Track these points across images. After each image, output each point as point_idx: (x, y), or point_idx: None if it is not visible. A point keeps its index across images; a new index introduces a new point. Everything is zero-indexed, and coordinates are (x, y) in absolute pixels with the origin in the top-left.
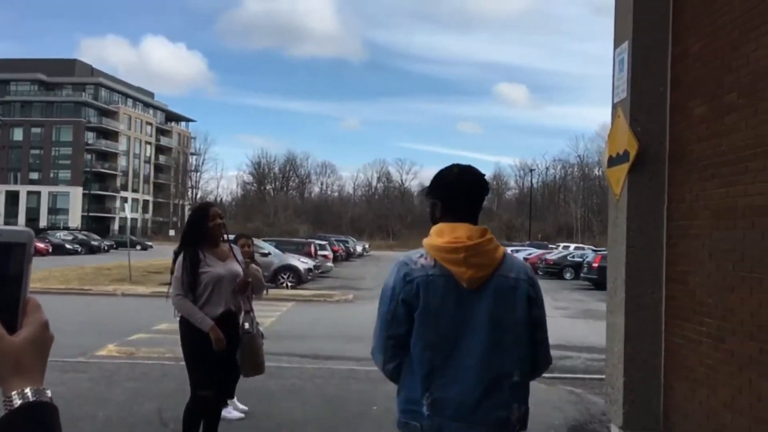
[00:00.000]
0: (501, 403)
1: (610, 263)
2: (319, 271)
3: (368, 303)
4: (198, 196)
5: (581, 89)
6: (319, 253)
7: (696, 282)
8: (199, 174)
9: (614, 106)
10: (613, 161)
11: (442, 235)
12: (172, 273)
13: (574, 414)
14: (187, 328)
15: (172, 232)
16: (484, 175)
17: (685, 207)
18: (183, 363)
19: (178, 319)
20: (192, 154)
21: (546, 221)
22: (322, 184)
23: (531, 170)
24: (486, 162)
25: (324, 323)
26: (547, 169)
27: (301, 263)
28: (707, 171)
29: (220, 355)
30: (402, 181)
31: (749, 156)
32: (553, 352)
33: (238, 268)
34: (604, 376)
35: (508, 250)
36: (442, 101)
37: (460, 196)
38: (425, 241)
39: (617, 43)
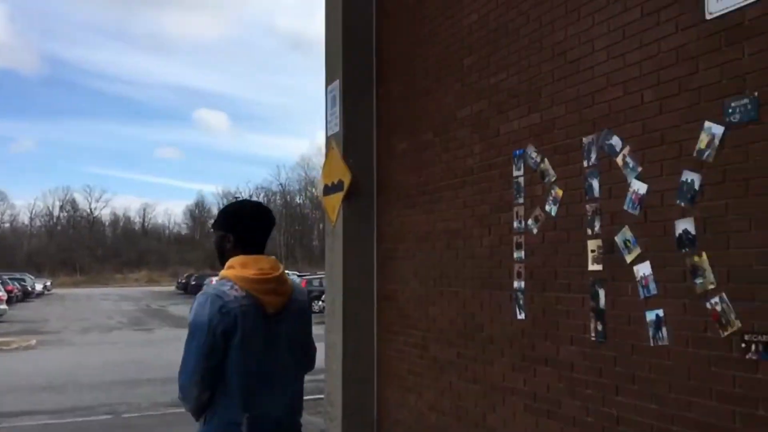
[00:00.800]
0: (300, 408)
1: (328, 286)
2: None
3: (56, 348)
4: None
5: (281, 119)
6: None
7: (404, 298)
8: None
9: (328, 139)
10: (328, 190)
11: (247, 267)
12: None
13: None
14: None
15: None
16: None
17: (392, 232)
18: None
19: None
20: None
21: None
22: None
23: (235, 198)
24: (188, 189)
25: (1, 376)
26: (250, 196)
27: None
28: (410, 200)
29: None
30: (91, 209)
31: (444, 187)
32: None
33: None
34: (319, 396)
35: (213, 280)
36: (139, 124)
37: (257, 231)
38: (230, 273)
39: (329, 81)
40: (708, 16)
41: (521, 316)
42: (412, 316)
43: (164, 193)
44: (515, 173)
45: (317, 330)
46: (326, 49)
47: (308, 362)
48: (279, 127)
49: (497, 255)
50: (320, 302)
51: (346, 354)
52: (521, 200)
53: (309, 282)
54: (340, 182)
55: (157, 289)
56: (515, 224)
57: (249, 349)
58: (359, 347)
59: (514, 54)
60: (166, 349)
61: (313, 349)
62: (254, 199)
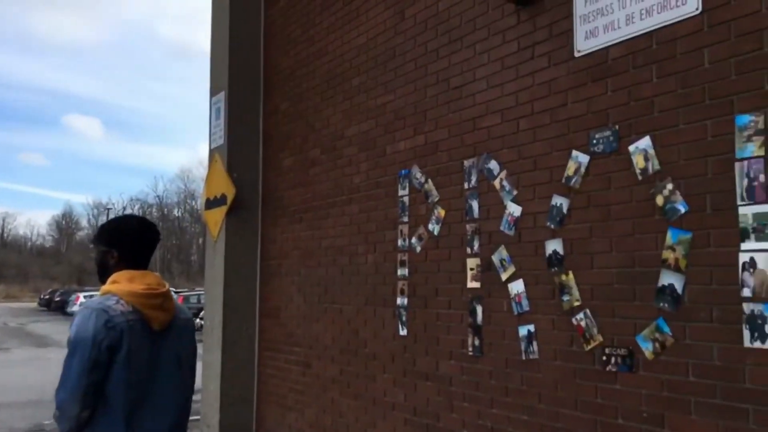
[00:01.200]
0: (184, 423)
1: (208, 303)
2: None
3: None
4: None
5: (160, 129)
6: None
7: (287, 315)
8: None
9: (211, 152)
10: (210, 204)
11: (134, 281)
12: None
13: None
14: None
15: None
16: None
17: (276, 247)
18: None
19: None
20: None
21: None
22: None
23: (107, 209)
24: (54, 199)
25: None
26: (124, 208)
27: None
28: (296, 216)
29: None
30: None
31: (330, 203)
32: None
33: None
34: (195, 418)
35: (80, 296)
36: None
37: (143, 247)
38: (115, 287)
39: (214, 92)
40: (577, 54)
41: (403, 332)
42: (296, 333)
43: (27, 202)
44: (401, 192)
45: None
46: (212, 59)
47: (193, 381)
48: (158, 137)
49: (382, 272)
50: (198, 320)
51: (225, 373)
52: (406, 219)
53: (186, 299)
54: (224, 196)
55: (16, 305)
56: (399, 242)
57: (133, 365)
58: (239, 366)
59: (401, 77)
60: (27, 371)
61: (195, 366)
62: (129, 212)
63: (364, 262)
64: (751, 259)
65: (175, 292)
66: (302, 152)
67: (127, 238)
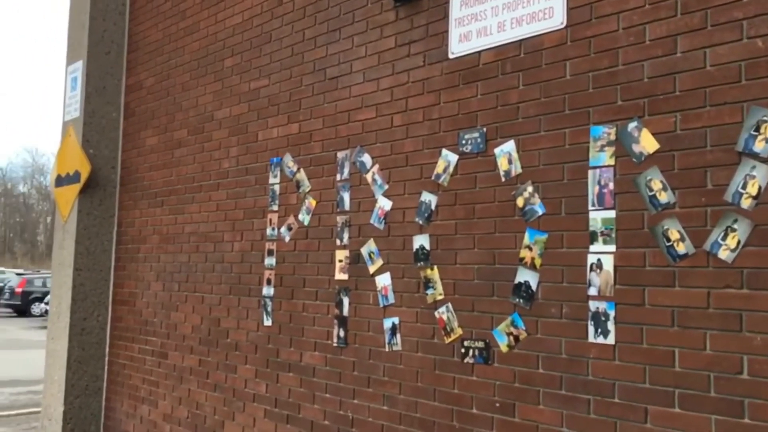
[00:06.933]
0: None
1: (55, 287)
2: None
3: None
4: None
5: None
6: None
7: (143, 303)
8: None
9: (65, 124)
10: (62, 181)
11: None
12: None
13: None
14: None
15: None
16: None
17: (134, 231)
18: None
19: None
20: None
21: None
22: None
23: None
24: None
25: None
26: None
27: None
28: (157, 198)
29: None
30: None
31: (196, 188)
32: None
33: None
34: (34, 410)
35: None
36: None
37: None
38: None
39: (70, 60)
40: (451, 56)
41: (268, 322)
42: (152, 321)
43: None
44: (271, 180)
45: (39, 336)
46: (70, 25)
47: None
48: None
49: (248, 260)
50: (43, 304)
51: (71, 362)
52: (276, 207)
53: (30, 281)
54: (77, 173)
55: None
56: (268, 231)
57: None
58: (87, 355)
59: (277, 63)
60: None
61: None
62: None
63: (229, 250)
64: (598, 260)
65: (18, 275)
66: (167, 131)
67: None
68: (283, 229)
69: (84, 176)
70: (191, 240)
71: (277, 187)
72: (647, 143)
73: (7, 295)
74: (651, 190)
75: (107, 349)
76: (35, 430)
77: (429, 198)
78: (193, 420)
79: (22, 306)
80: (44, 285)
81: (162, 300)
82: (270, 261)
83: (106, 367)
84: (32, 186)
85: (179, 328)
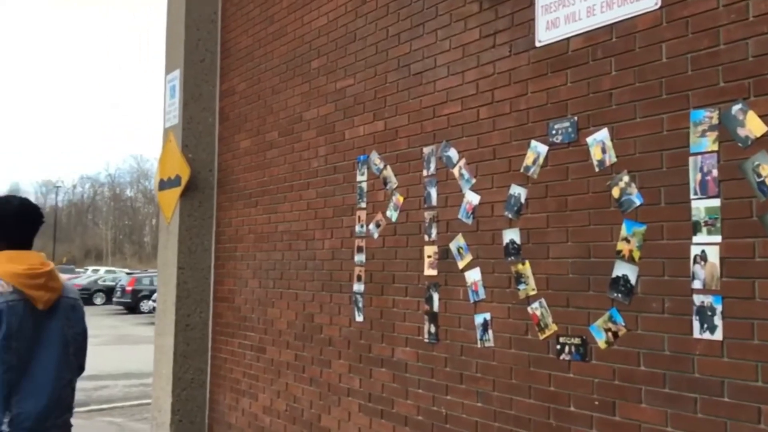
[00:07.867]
0: (66, 405)
1: (161, 286)
2: None
3: None
4: None
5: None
6: None
7: (241, 299)
8: None
9: (166, 131)
10: (164, 185)
11: (14, 261)
12: None
13: None
14: None
15: None
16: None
17: (231, 231)
18: None
19: None
20: None
21: (73, 243)
22: None
23: (57, 187)
24: None
25: None
26: (74, 187)
27: None
28: (252, 199)
29: None
30: None
31: (287, 188)
32: (87, 383)
33: None
34: (145, 401)
35: None
36: None
37: (24, 226)
38: None
39: (169, 70)
40: (538, 44)
41: (359, 318)
42: (250, 317)
43: None
44: (359, 178)
45: (147, 331)
46: (167, 37)
47: (83, 360)
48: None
49: (338, 258)
50: (151, 302)
51: (177, 357)
52: (363, 205)
53: (138, 280)
54: (178, 177)
55: None
56: (357, 228)
57: (14, 346)
58: (191, 350)
59: (361, 61)
60: None
61: (86, 349)
62: (79, 191)
63: (320, 248)
64: (702, 251)
65: (128, 274)
66: (259, 134)
67: (7, 219)
68: (371, 226)
69: (184, 180)
70: (284, 238)
71: (364, 185)
72: (754, 126)
73: (119, 293)
74: (759, 176)
75: (210, 344)
76: (147, 420)
77: (518, 191)
78: (291, 413)
79: (132, 303)
80: (151, 283)
81: (258, 296)
82: (360, 258)
83: (209, 361)
84: (138, 190)
85: (275, 324)
